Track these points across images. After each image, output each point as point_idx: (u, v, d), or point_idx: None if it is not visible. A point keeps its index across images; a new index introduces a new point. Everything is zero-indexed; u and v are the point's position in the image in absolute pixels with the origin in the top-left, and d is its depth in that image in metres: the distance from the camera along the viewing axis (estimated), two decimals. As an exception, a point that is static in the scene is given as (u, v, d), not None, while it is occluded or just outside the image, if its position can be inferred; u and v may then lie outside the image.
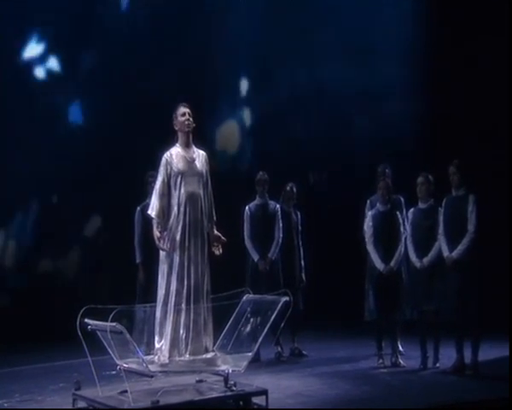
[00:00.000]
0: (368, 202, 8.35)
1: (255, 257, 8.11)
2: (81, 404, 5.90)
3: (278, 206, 8.33)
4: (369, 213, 7.92)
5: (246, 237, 8.21)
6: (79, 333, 5.59)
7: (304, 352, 8.39)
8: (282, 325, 7.45)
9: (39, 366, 7.89)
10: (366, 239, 7.80)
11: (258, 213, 8.24)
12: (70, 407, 5.91)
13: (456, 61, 10.41)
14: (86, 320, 5.66)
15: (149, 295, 6.75)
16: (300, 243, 8.49)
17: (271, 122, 10.72)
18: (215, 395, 5.83)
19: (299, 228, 8.52)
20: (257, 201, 8.30)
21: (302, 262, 8.46)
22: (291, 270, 8.31)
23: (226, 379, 5.87)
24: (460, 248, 7.18)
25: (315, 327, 9.18)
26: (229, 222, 8.01)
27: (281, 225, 8.23)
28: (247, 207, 8.28)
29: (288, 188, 8.50)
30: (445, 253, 7.26)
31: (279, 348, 8.20)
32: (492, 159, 9.85)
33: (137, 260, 8.13)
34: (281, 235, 8.21)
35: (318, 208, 10.07)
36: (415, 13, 11.00)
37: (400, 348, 8.19)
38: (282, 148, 10.54)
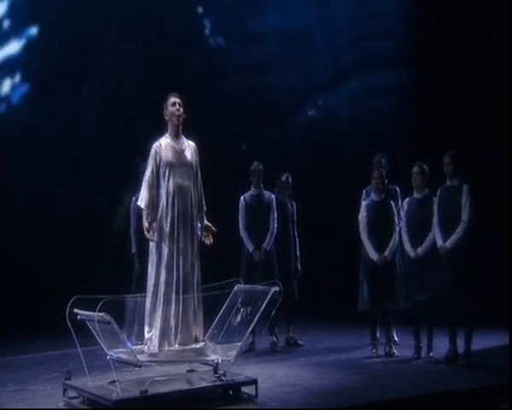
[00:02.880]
0: (364, 191, 8.34)
1: (250, 247, 8.11)
2: (72, 393, 5.94)
3: (273, 196, 8.32)
4: (364, 203, 7.92)
5: (241, 228, 8.21)
6: (68, 323, 5.60)
7: (299, 341, 8.41)
8: (274, 314, 7.53)
9: (34, 355, 7.92)
10: (360, 229, 7.79)
11: (253, 204, 8.23)
12: (61, 396, 5.96)
13: (454, 50, 10.38)
14: (75, 310, 5.68)
15: (145, 285, 6.77)
16: (296, 234, 8.49)
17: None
18: (204, 384, 5.86)
19: (295, 218, 8.53)
20: (252, 191, 8.29)
21: (298, 252, 8.46)
22: (286, 260, 8.32)
23: (215, 369, 5.91)
24: (453, 238, 7.17)
25: (310, 317, 9.21)
26: (223, 213, 8.10)
27: (276, 215, 8.23)
28: (242, 198, 8.27)
29: (284, 178, 8.50)
30: (439, 242, 7.26)
31: (274, 338, 8.20)
32: (487, 149, 9.82)
33: (133, 251, 8.13)
34: (276, 225, 8.20)
35: (314, 199, 10.05)
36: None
37: (395, 337, 8.21)
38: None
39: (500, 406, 5.79)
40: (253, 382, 5.90)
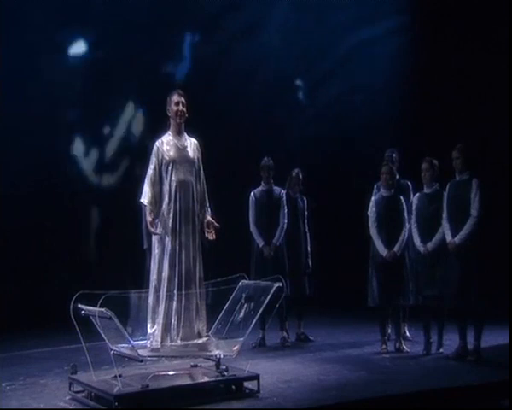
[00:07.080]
0: (375, 187, 8.30)
1: (260, 243, 8.12)
2: (79, 388, 6.04)
3: (283, 192, 8.32)
4: (373, 199, 7.88)
5: (251, 223, 8.21)
6: (72, 318, 5.69)
7: (310, 337, 8.40)
8: (285, 309, 7.59)
9: (47, 349, 8.05)
10: (369, 224, 7.76)
11: (263, 199, 8.23)
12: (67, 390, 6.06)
13: (460, 44, 10.30)
14: (79, 305, 5.77)
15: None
16: (307, 229, 8.48)
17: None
18: (206, 379, 5.90)
19: (306, 214, 8.52)
20: (262, 187, 8.29)
21: (308, 248, 8.44)
22: (297, 256, 8.31)
23: (218, 364, 5.95)
24: (462, 233, 7.11)
25: (321, 313, 9.20)
26: (234, 208, 8.14)
27: (286, 210, 8.23)
28: (252, 193, 8.28)
29: (294, 174, 8.49)
30: (448, 238, 7.21)
31: (284, 334, 8.21)
32: (497, 143, 9.73)
33: (144, 246, 8.19)
34: (285, 221, 8.20)
35: (324, 194, 10.03)
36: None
37: (407, 333, 8.19)
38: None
39: (501, 403, 5.74)
40: (255, 377, 5.93)
